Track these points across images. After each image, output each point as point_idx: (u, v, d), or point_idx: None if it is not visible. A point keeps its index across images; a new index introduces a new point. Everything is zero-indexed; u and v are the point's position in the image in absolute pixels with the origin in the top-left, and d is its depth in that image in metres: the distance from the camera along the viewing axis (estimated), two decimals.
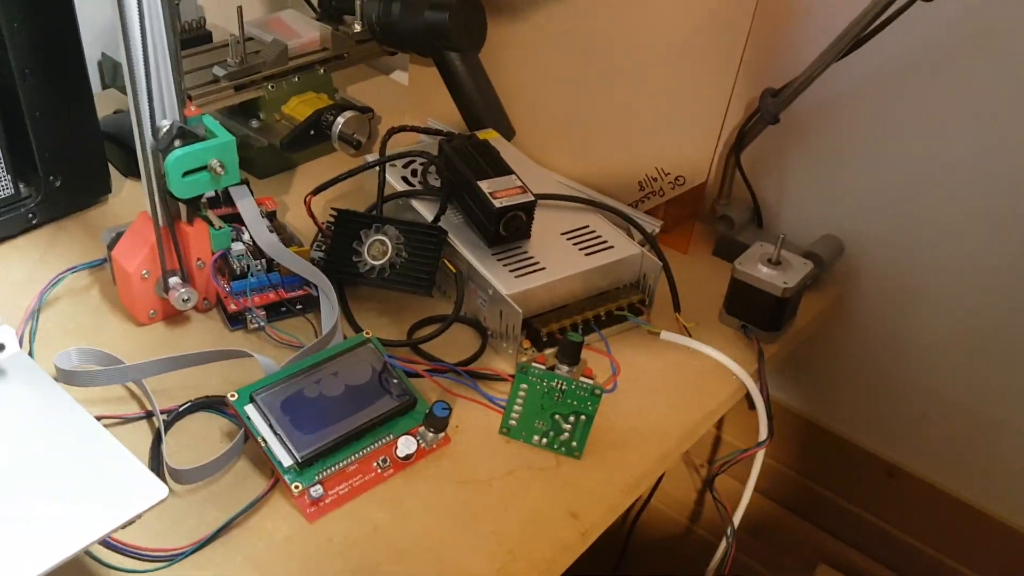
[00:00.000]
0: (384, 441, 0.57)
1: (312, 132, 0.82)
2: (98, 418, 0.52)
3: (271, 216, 0.71)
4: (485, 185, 0.67)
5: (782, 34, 0.74)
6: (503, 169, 0.69)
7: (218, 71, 0.81)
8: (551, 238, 0.70)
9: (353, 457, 0.55)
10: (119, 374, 0.59)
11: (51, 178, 0.73)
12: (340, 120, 0.81)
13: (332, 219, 0.67)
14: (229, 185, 0.62)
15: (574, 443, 0.59)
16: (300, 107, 0.83)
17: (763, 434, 0.67)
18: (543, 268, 0.66)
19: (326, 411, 0.56)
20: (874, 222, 0.77)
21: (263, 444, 0.54)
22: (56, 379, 0.55)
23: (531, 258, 0.67)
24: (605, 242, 0.70)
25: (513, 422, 0.60)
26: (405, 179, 0.75)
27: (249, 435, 0.55)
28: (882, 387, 0.82)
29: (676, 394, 0.65)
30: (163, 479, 0.52)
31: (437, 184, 0.73)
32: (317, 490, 0.53)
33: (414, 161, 0.76)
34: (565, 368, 0.59)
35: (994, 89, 0.67)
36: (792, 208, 0.81)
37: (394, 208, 0.74)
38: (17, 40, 0.67)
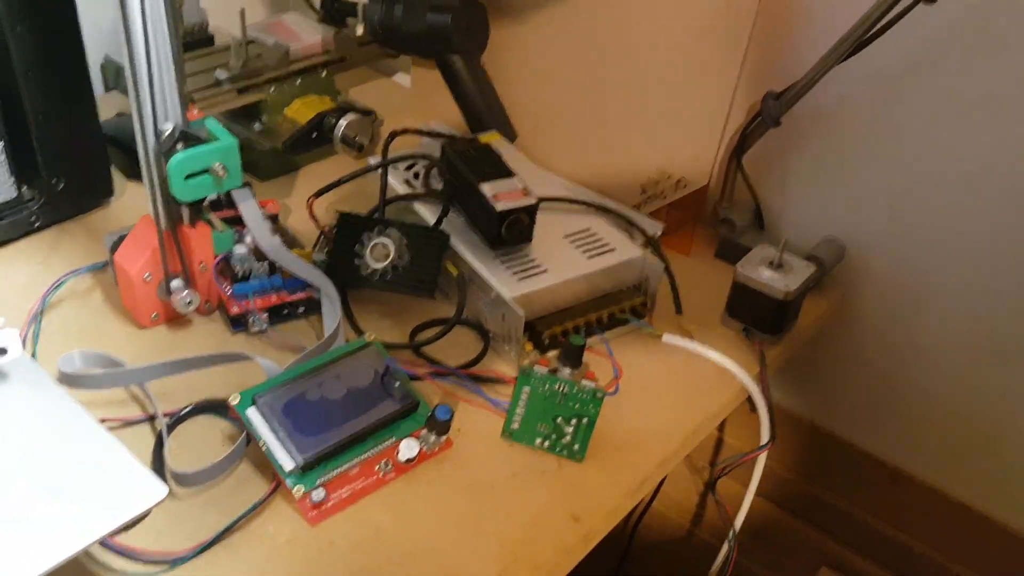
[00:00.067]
0: (386, 444, 0.57)
1: (314, 135, 0.82)
2: (101, 421, 0.52)
3: (273, 219, 0.71)
4: (487, 188, 0.67)
5: (784, 37, 0.74)
6: (505, 172, 0.69)
7: (220, 74, 0.81)
8: (553, 240, 0.69)
9: (355, 460, 0.55)
10: (121, 377, 0.59)
11: (54, 181, 0.73)
12: (342, 123, 0.81)
13: (334, 222, 0.67)
14: (232, 188, 0.62)
15: (576, 446, 0.59)
16: (302, 110, 0.84)
17: (765, 437, 0.67)
18: (545, 271, 0.66)
19: (328, 414, 0.56)
20: (876, 225, 0.77)
21: (265, 447, 0.54)
22: (59, 382, 0.55)
23: (533, 261, 0.67)
24: (607, 245, 0.70)
25: (515, 425, 0.59)
26: (407, 182, 0.75)
27: (251, 438, 0.55)
28: (884, 390, 0.82)
29: (678, 397, 0.65)
30: (166, 482, 0.52)
31: (439, 187, 0.73)
32: (319, 493, 0.53)
33: (416, 164, 0.76)
34: (567, 371, 0.59)
35: (996, 92, 0.67)
36: (794, 211, 0.81)
37: (396, 211, 0.74)
38: (20, 43, 0.67)
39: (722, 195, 0.80)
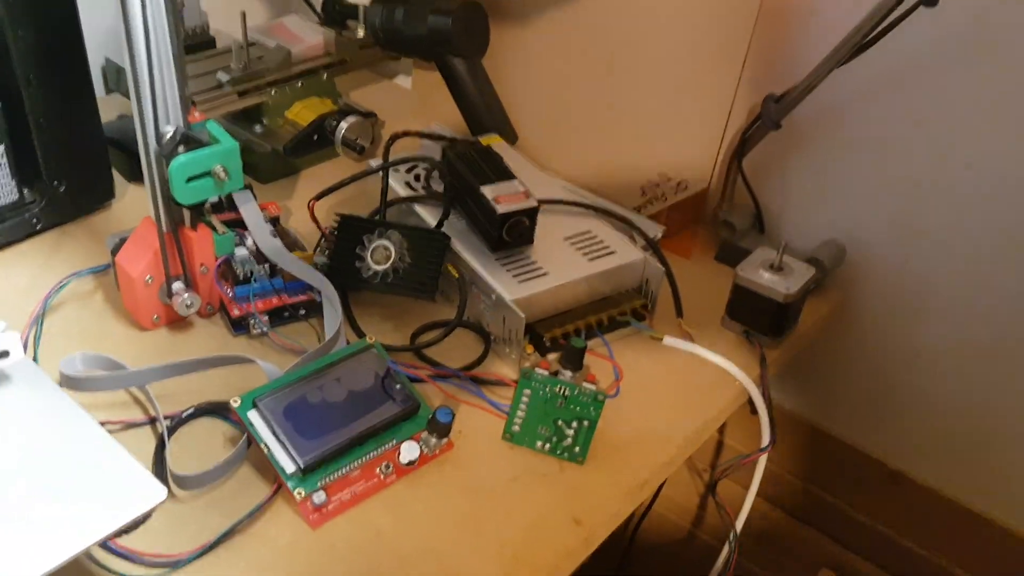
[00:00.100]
0: (387, 447, 0.57)
1: (315, 137, 0.83)
2: (102, 423, 0.52)
3: (274, 221, 0.71)
4: (488, 190, 0.67)
5: (784, 40, 0.74)
6: (506, 174, 0.69)
7: (222, 76, 0.81)
8: (554, 243, 0.70)
9: (356, 463, 0.55)
10: (123, 379, 0.59)
11: (55, 183, 0.73)
12: (343, 125, 0.81)
13: (335, 224, 0.67)
14: (233, 191, 0.63)
15: (577, 449, 0.59)
16: (303, 112, 0.84)
17: (765, 439, 0.67)
18: (546, 273, 0.66)
19: (329, 417, 0.56)
20: (876, 227, 0.77)
21: (266, 450, 0.54)
22: (60, 384, 0.55)
23: (534, 263, 0.67)
24: (608, 247, 0.70)
25: (516, 427, 0.60)
26: (408, 184, 0.75)
27: (252, 441, 0.55)
28: (885, 392, 0.82)
29: (679, 399, 0.65)
30: (167, 485, 0.53)
31: (440, 189, 0.73)
32: (320, 496, 0.53)
33: (417, 166, 0.76)
34: (568, 374, 0.59)
35: (997, 95, 0.67)
36: (794, 213, 0.81)
37: (397, 213, 0.74)
38: (21, 46, 0.67)
39: (722, 198, 0.81)
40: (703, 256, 0.80)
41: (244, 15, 0.82)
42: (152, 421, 0.58)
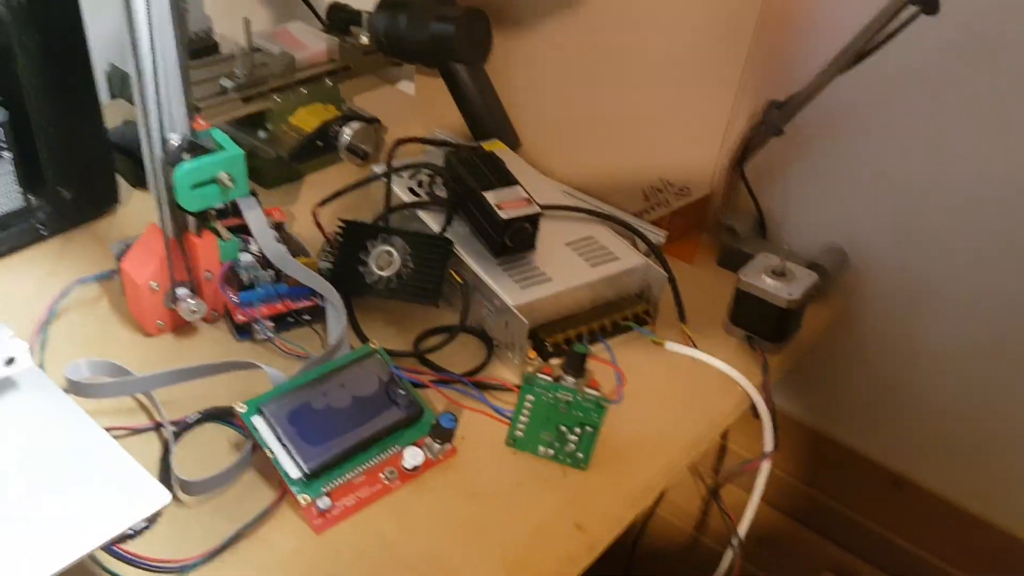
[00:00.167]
0: (391, 452, 0.57)
1: (319, 143, 0.83)
2: (108, 429, 0.52)
3: (278, 227, 0.71)
4: (491, 196, 0.67)
5: (785, 47, 0.74)
6: (509, 180, 0.70)
7: (226, 83, 0.81)
8: (556, 249, 0.70)
9: (360, 468, 0.56)
10: (128, 386, 0.59)
11: (60, 190, 0.74)
12: (347, 131, 0.82)
13: (339, 230, 0.68)
14: (238, 197, 0.63)
15: (580, 454, 0.59)
16: (307, 118, 0.84)
17: (768, 445, 0.67)
18: (549, 279, 0.67)
19: (333, 422, 0.56)
20: (878, 233, 0.77)
21: (271, 455, 0.54)
22: (66, 390, 0.56)
23: (537, 269, 0.68)
24: (610, 253, 0.70)
25: (519, 433, 0.60)
26: (411, 190, 0.75)
27: (257, 447, 0.55)
28: (887, 397, 0.82)
29: (681, 405, 0.65)
30: (173, 491, 0.53)
31: (443, 195, 0.74)
32: (324, 502, 0.53)
33: (420, 172, 0.76)
34: (571, 379, 0.60)
35: (998, 101, 0.67)
36: (796, 219, 0.81)
37: (400, 219, 0.74)
38: (26, 53, 0.67)
39: (724, 203, 0.81)
40: (705, 261, 0.81)
41: (248, 21, 0.83)
42: (158, 427, 0.58)
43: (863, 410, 0.84)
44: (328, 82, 0.87)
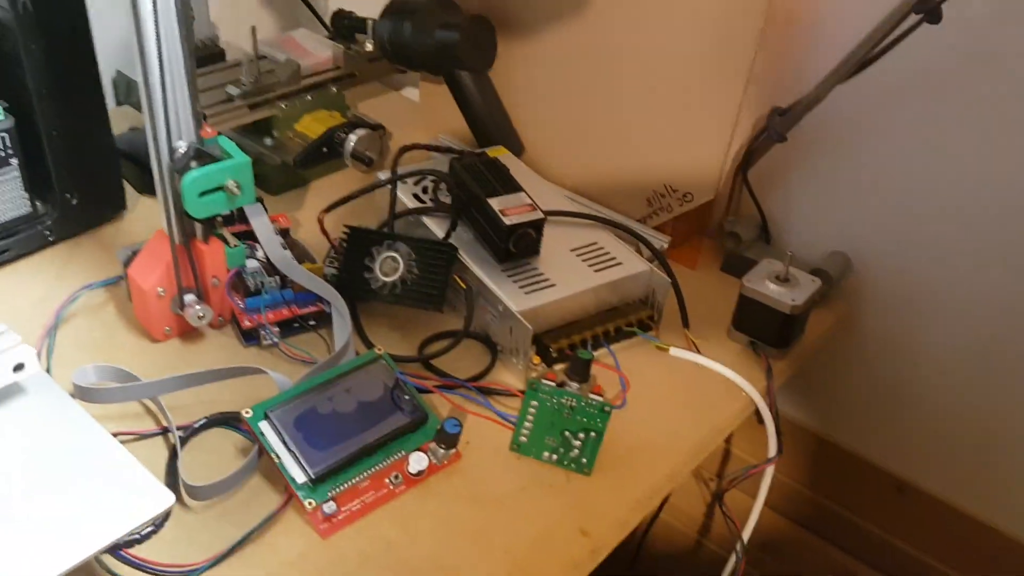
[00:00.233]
0: (396, 457, 0.57)
1: (325, 149, 0.83)
2: (115, 434, 0.53)
3: (284, 233, 0.72)
4: (495, 203, 0.68)
5: (789, 54, 0.74)
6: (513, 186, 0.70)
7: (232, 90, 0.82)
8: (560, 254, 0.70)
9: (365, 473, 0.56)
10: (135, 391, 0.60)
11: (67, 196, 0.74)
12: (352, 138, 0.82)
13: (344, 236, 0.68)
14: (244, 205, 0.63)
15: (584, 460, 0.59)
16: (313, 125, 0.84)
17: (772, 450, 0.67)
18: (553, 284, 0.67)
19: (339, 427, 0.57)
20: (882, 238, 0.77)
21: (277, 460, 0.54)
22: (73, 395, 0.56)
23: (541, 274, 0.68)
24: (614, 258, 0.70)
25: (523, 438, 0.60)
26: (416, 196, 0.75)
27: (263, 451, 0.55)
28: (891, 402, 0.82)
29: (685, 410, 0.65)
30: (179, 495, 0.53)
31: (448, 201, 0.74)
32: (330, 506, 0.54)
33: (425, 178, 0.77)
34: (575, 385, 0.60)
35: (999, 108, 0.67)
36: (800, 225, 0.82)
37: (405, 225, 0.75)
38: (34, 60, 0.68)
39: (728, 209, 0.81)
40: (709, 267, 0.81)
41: (254, 29, 0.83)
42: (164, 432, 0.59)
43: (866, 415, 0.85)
44: (333, 89, 0.88)
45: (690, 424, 0.64)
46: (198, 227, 0.63)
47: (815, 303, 0.70)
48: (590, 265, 0.69)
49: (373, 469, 0.56)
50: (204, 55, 0.93)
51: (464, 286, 0.68)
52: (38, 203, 0.74)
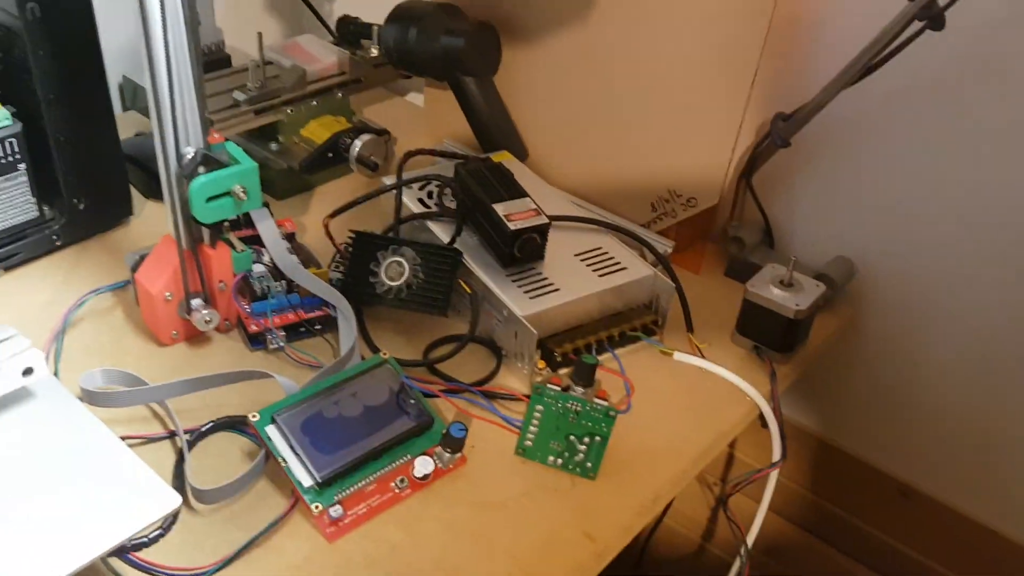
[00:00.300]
0: (401, 461, 0.58)
1: (330, 155, 0.84)
2: (123, 438, 0.53)
3: (290, 238, 0.72)
4: (500, 208, 0.68)
5: (793, 59, 0.75)
6: (518, 192, 0.70)
7: (238, 95, 0.82)
8: (565, 259, 0.70)
9: (371, 477, 0.56)
10: (143, 395, 0.60)
11: (75, 201, 0.75)
12: (357, 143, 0.82)
13: (350, 241, 0.68)
14: (251, 210, 0.64)
15: (589, 464, 0.60)
16: (318, 130, 0.85)
17: (776, 455, 0.67)
18: (557, 289, 0.67)
19: (345, 431, 0.57)
20: (885, 244, 0.77)
21: (283, 464, 0.55)
22: (81, 399, 0.56)
23: (545, 279, 0.68)
24: (618, 263, 0.71)
25: (528, 442, 0.60)
26: (421, 201, 0.76)
27: (270, 455, 0.56)
28: (895, 407, 0.82)
29: (689, 414, 0.65)
30: (186, 499, 0.54)
31: (453, 206, 0.74)
32: (336, 510, 0.54)
33: (430, 183, 0.77)
34: (580, 389, 0.60)
35: (1002, 114, 0.68)
36: (804, 229, 0.82)
37: (410, 230, 0.75)
38: (42, 66, 0.68)
39: (732, 214, 0.81)
40: (713, 272, 0.81)
41: (260, 35, 0.84)
42: (171, 435, 0.59)
43: (870, 420, 0.85)
44: (339, 94, 0.88)
45: (694, 429, 0.64)
46: (205, 232, 0.64)
47: (819, 308, 0.70)
48: (594, 270, 0.70)
49: (379, 473, 0.57)
50: (210, 61, 0.93)
51: (469, 291, 0.68)
52: (46, 208, 0.75)
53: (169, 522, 0.50)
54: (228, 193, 0.61)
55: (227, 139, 0.63)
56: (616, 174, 0.81)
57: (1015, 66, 0.66)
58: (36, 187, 0.73)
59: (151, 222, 0.81)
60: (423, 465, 0.57)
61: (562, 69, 0.81)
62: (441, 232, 0.73)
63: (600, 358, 0.64)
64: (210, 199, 0.60)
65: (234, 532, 0.53)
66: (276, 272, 0.67)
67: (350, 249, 0.68)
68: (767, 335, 0.70)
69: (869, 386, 0.83)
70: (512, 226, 0.67)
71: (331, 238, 0.72)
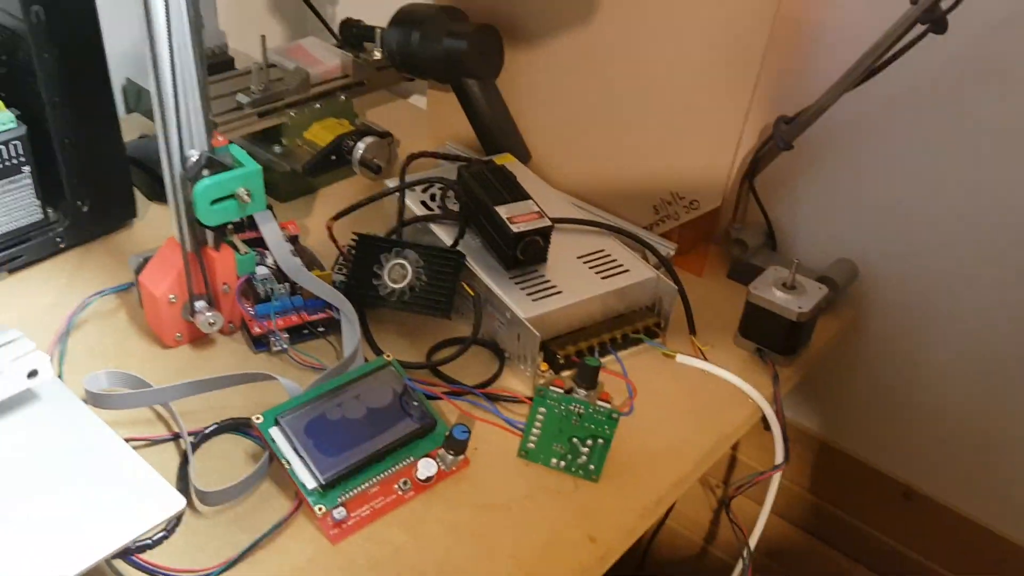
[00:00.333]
0: (405, 463, 0.58)
1: (333, 157, 0.84)
2: (127, 440, 0.53)
3: (293, 240, 0.72)
4: (503, 210, 0.68)
5: (796, 62, 0.75)
6: (520, 194, 0.70)
7: (242, 98, 0.82)
8: (567, 262, 0.71)
9: (375, 479, 0.56)
10: (147, 397, 0.60)
11: (79, 203, 0.75)
12: (361, 146, 0.83)
13: (353, 243, 0.69)
14: (255, 212, 0.64)
15: (591, 466, 0.60)
16: (321, 133, 0.85)
17: (779, 457, 0.67)
18: (560, 292, 0.67)
19: (348, 434, 0.57)
20: (888, 246, 0.77)
21: (287, 466, 0.55)
22: (85, 401, 0.57)
23: (548, 282, 0.68)
24: (621, 266, 0.71)
25: (531, 445, 0.60)
26: (424, 203, 0.76)
27: (274, 457, 0.56)
28: (897, 409, 0.82)
29: (692, 417, 0.65)
30: (190, 501, 0.54)
31: (456, 209, 0.75)
32: (340, 512, 0.54)
33: (433, 186, 0.77)
34: (583, 392, 0.60)
35: (1004, 118, 0.68)
36: (806, 232, 0.82)
37: (413, 232, 0.75)
38: (46, 69, 0.68)
39: (734, 216, 0.81)
40: (715, 274, 0.81)
41: (264, 38, 0.84)
42: (176, 437, 0.59)
43: (872, 421, 0.85)
44: (342, 97, 0.88)
45: (697, 431, 0.64)
46: (209, 234, 0.64)
47: (821, 310, 0.70)
48: (597, 272, 0.70)
49: (382, 475, 0.57)
50: (213, 63, 0.93)
51: (472, 293, 0.68)
52: (49, 210, 0.75)
53: (173, 524, 0.50)
54: (232, 196, 0.61)
55: (231, 142, 0.63)
56: (619, 176, 0.81)
57: (1017, 68, 0.66)
58: (40, 189, 0.73)
59: (154, 224, 0.81)
60: (426, 467, 0.57)
61: (564, 71, 0.81)
62: (444, 235, 0.73)
63: (603, 360, 0.64)
64: (214, 202, 0.60)
65: (238, 534, 0.53)
66: (280, 274, 0.68)
67: (353, 251, 0.68)
68: (770, 337, 0.70)
69: (870, 388, 0.83)
70: (515, 228, 0.67)
71: (334, 240, 0.72)
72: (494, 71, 0.82)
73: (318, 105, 0.86)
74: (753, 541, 0.72)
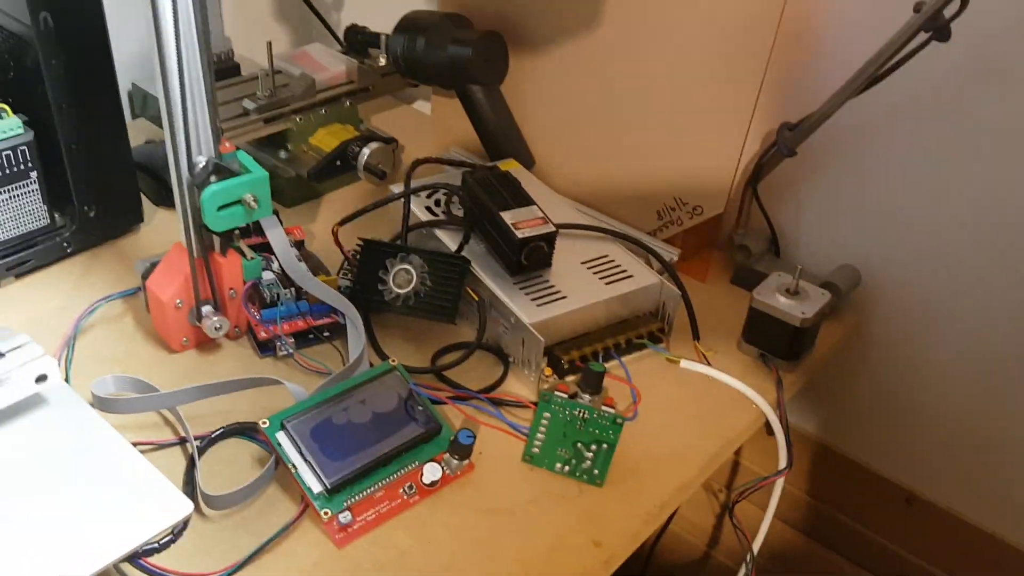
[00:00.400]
0: (410, 468, 0.58)
1: (338, 163, 0.84)
2: (134, 444, 0.54)
3: (299, 245, 0.73)
4: (507, 216, 0.69)
5: (800, 69, 0.75)
6: (525, 200, 0.71)
7: (248, 104, 0.83)
8: (572, 267, 0.71)
9: (380, 483, 0.57)
10: (153, 401, 0.61)
11: (86, 208, 0.75)
12: (366, 151, 0.83)
13: (358, 248, 0.69)
14: (261, 218, 0.64)
15: (596, 471, 0.60)
16: (327, 138, 0.86)
17: (782, 462, 0.67)
18: (564, 297, 0.68)
19: (354, 438, 0.57)
20: (890, 252, 0.78)
21: (293, 470, 0.55)
22: (92, 406, 0.57)
23: (552, 287, 0.69)
24: (625, 271, 0.71)
25: (536, 450, 0.61)
26: (429, 209, 0.76)
27: (280, 461, 0.56)
28: (900, 414, 0.83)
29: (696, 422, 0.66)
30: (197, 505, 0.54)
31: (460, 214, 0.75)
32: (345, 516, 0.54)
33: (438, 191, 0.78)
34: (587, 397, 0.61)
35: (1006, 123, 0.68)
36: (809, 238, 0.82)
37: (418, 237, 0.75)
38: (54, 74, 0.69)
39: (738, 222, 0.82)
40: (719, 279, 0.81)
41: (270, 45, 0.84)
42: (182, 442, 0.59)
43: (875, 427, 0.85)
44: (347, 103, 0.89)
45: (701, 436, 0.64)
46: (216, 240, 0.64)
47: (825, 316, 0.70)
48: (601, 278, 0.70)
49: (388, 479, 0.57)
50: (220, 69, 0.94)
51: (476, 298, 0.69)
52: (57, 215, 0.75)
53: (180, 528, 0.50)
54: (239, 202, 0.61)
55: (237, 148, 0.63)
56: (622, 182, 0.82)
57: (1016, 73, 0.66)
58: (47, 195, 0.73)
59: (161, 229, 0.81)
60: (431, 471, 0.58)
61: (568, 77, 0.82)
62: (449, 240, 0.73)
63: (607, 365, 0.65)
64: (221, 208, 0.60)
65: (244, 538, 0.53)
66: (285, 279, 0.68)
67: (358, 257, 0.68)
68: (773, 343, 0.70)
69: (873, 393, 0.84)
70: (519, 234, 0.67)
71: (340, 246, 0.72)
72: (498, 77, 0.83)
73: (323, 111, 0.87)
74: (756, 546, 0.72)
